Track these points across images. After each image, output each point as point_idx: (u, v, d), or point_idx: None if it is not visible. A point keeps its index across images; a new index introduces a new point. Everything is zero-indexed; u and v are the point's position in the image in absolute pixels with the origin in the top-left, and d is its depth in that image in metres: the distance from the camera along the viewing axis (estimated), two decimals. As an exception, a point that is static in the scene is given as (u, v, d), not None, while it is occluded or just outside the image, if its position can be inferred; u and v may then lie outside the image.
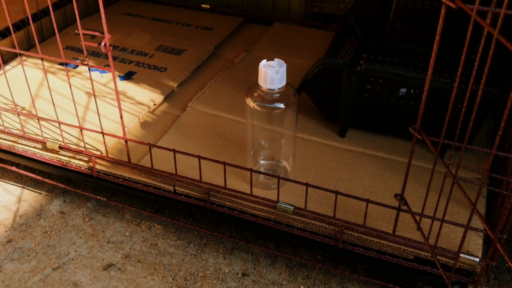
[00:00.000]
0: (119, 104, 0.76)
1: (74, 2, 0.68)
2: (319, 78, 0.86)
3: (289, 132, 0.76)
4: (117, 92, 0.75)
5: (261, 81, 0.70)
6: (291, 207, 0.73)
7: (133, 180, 0.83)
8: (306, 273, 0.85)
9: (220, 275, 0.86)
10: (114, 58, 1.13)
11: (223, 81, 1.06)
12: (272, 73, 0.68)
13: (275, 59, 0.70)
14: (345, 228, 0.71)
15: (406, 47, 1.05)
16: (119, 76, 1.07)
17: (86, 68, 0.97)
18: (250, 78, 1.08)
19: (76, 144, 0.87)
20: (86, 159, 0.85)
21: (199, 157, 0.75)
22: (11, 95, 0.88)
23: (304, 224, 0.74)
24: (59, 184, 0.97)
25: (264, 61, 0.70)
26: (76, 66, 1.10)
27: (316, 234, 0.74)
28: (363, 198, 0.68)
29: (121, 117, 0.77)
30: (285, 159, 0.81)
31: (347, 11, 1.10)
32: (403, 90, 0.82)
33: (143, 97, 1.01)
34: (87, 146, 0.86)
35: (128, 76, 1.07)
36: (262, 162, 0.81)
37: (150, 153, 0.80)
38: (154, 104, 0.99)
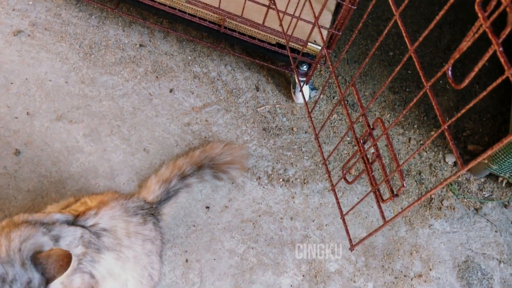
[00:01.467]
0: None
1: None
2: None
3: None
4: None
5: None
6: (184, -3, 0.88)
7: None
8: (193, 46, 1.06)
9: (121, 45, 1.03)
10: None
11: None
12: None
13: None
14: (227, 17, 0.90)
15: None
16: None
17: None
18: None
19: None
20: None
21: None
22: None
23: (195, 11, 0.91)
24: None
25: None
26: None
27: (203, 20, 0.92)
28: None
29: None
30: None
31: None
32: None
33: None
34: None
35: None
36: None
37: None
38: None
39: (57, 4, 1.03)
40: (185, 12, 0.92)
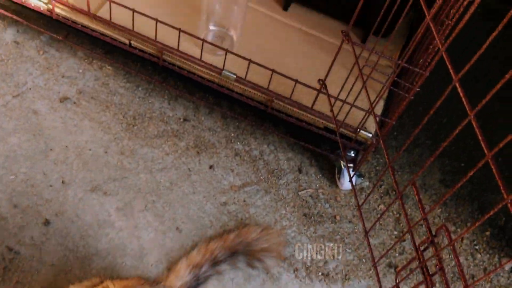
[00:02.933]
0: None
1: None
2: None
3: (242, 2, 0.85)
4: None
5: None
6: (233, 75, 0.87)
7: (92, 28, 0.90)
8: (237, 124, 1.03)
9: (165, 118, 1.01)
10: None
11: None
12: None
13: None
14: (275, 98, 0.87)
15: None
16: None
17: None
18: None
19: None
20: (45, 0, 0.90)
21: (157, 20, 0.83)
22: None
23: (243, 91, 0.89)
24: (13, 16, 1.00)
25: None
26: None
27: (251, 99, 0.89)
28: (293, 78, 0.83)
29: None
30: (234, 28, 0.91)
31: None
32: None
33: None
34: (46, -13, 0.90)
35: None
36: (212, 28, 0.91)
37: (110, 8, 0.86)
38: None
39: (106, 74, 1.04)
40: (232, 91, 0.90)
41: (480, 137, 0.43)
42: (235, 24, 0.89)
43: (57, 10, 0.90)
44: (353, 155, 0.93)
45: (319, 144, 0.99)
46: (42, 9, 0.91)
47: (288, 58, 0.93)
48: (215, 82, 0.90)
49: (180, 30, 0.83)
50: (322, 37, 0.98)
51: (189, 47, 0.89)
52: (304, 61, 0.94)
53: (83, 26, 0.91)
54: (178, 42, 0.85)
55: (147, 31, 0.88)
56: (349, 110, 0.81)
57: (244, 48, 0.91)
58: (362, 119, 0.83)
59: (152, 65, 1.04)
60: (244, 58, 0.83)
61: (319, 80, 0.81)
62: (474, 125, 0.44)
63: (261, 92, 0.87)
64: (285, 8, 1.00)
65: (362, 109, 0.82)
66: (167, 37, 0.88)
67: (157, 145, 0.97)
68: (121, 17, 0.88)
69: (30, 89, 0.99)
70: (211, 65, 0.87)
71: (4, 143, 0.91)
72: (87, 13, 0.88)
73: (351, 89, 0.80)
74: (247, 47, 0.93)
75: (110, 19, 0.87)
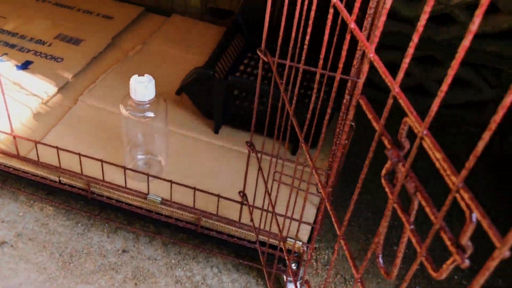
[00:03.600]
0: (5, 101, 0.85)
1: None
2: (195, 84, 0.98)
3: (161, 134, 0.89)
4: (2, 91, 0.83)
5: (132, 94, 0.82)
6: (158, 199, 0.87)
7: (22, 170, 0.93)
8: (178, 249, 1.01)
9: (103, 252, 0.99)
10: (13, 46, 1.19)
11: (116, 74, 1.16)
12: (141, 88, 0.80)
13: (145, 75, 0.82)
14: (202, 216, 0.86)
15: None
16: (16, 65, 1.14)
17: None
18: (143, 71, 1.18)
19: (-32, 134, 0.95)
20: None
21: (79, 154, 0.86)
22: None
23: (170, 212, 0.88)
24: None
25: (135, 76, 0.81)
26: (-27, 53, 1.15)
27: (180, 221, 0.89)
28: (214, 193, 0.83)
29: (8, 115, 0.86)
30: (160, 154, 0.94)
31: (238, 11, 1.22)
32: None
33: (38, 88, 1.09)
34: (-21, 137, 0.94)
35: (25, 66, 1.14)
36: (139, 156, 0.94)
37: (36, 149, 0.90)
38: (48, 96, 1.08)
39: (46, 214, 1.04)
40: (161, 214, 0.90)
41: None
42: (160, 151, 0.92)
43: (-14, 157, 0.94)
44: (295, 268, 0.90)
45: (266, 261, 0.96)
46: (-26, 157, 0.95)
47: (220, 176, 0.95)
48: (143, 207, 0.90)
49: (102, 161, 0.86)
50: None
51: (117, 177, 0.91)
52: (234, 177, 0.95)
53: (14, 169, 0.94)
54: (102, 173, 0.87)
55: (76, 166, 0.91)
56: (272, 218, 0.80)
57: (173, 172, 0.93)
58: (284, 227, 0.82)
59: (94, 201, 1.05)
60: (166, 180, 0.85)
61: (239, 192, 0.81)
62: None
63: (188, 212, 0.87)
64: (216, 131, 1.05)
65: (287, 216, 0.81)
66: (96, 170, 0.91)
67: (93, 281, 0.94)
68: (50, 156, 0.92)
69: (-34, 237, 0.98)
70: (136, 191, 0.88)
71: None
72: (17, 157, 0.91)
73: (275, 200, 0.79)
74: (176, 170, 0.95)
75: (38, 159, 0.90)
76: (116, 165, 0.86)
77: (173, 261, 0.99)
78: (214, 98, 0.98)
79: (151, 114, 0.83)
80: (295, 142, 0.99)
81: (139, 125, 0.85)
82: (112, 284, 0.94)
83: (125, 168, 0.85)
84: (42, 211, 1.05)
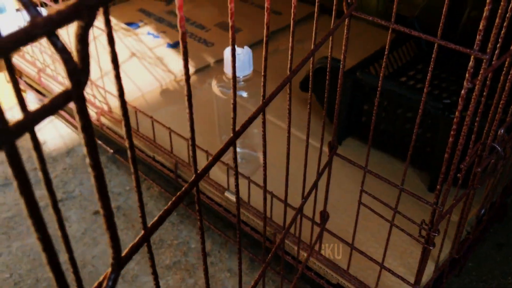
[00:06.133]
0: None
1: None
2: (318, 76, 0.81)
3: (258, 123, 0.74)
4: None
5: (225, 67, 0.70)
6: (234, 197, 0.72)
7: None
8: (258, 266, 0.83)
9: (185, 249, 0.88)
10: (173, 27, 1.20)
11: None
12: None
13: (245, 47, 0.69)
14: (276, 231, 0.68)
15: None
16: (167, 43, 1.13)
17: (144, 30, 1.06)
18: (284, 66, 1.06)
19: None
20: (95, 111, 0.94)
21: (170, 130, 0.78)
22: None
23: (246, 218, 0.73)
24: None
25: (229, 48, 0.69)
26: (137, 28, 1.19)
27: (255, 231, 0.72)
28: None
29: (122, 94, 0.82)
30: (258, 148, 0.79)
31: (414, 16, 1.02)
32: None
33: (176, 66, 1.06)
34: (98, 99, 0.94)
35: (175, 45, 1.13)
36: (238, 150, 0.81)
37: (153, 126, 0.83)
38: (182, 75, 1.03)
39: (150, 195, 0.99)
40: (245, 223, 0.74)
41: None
42: (258, 144, 0.78)
43: (103, 120, 0.92)
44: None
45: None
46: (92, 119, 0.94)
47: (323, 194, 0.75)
48: (222, 205, 0.76)
49: (188, 143, 0.75)
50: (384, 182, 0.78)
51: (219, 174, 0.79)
52: (343, 197, 0.74)
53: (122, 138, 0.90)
54: (188, 154, 0.77)
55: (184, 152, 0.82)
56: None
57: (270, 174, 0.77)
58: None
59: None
60: (244, 177, 0.70)
61: (320, 212, 0.61)
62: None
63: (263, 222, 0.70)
64: (339, 141, 0.85)
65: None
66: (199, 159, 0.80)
67: (162, 276, 0.83)
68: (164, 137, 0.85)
69: (74, 197, 0.99)
70: (216, 182, 0.75)
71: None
72: (135, 131, 0.87)
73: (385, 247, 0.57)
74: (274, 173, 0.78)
75: (154, 138, 0.85)
76: (207, 152, 0.74)
77: (252, 282, 0.82)
78: (337, 95, 0.79)
79: (244, 94, 0.70)
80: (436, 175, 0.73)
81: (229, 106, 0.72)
82: (179, 286, 0.82)
83: (228, 166, 0.73)
84: (147, 191, 1.00)
